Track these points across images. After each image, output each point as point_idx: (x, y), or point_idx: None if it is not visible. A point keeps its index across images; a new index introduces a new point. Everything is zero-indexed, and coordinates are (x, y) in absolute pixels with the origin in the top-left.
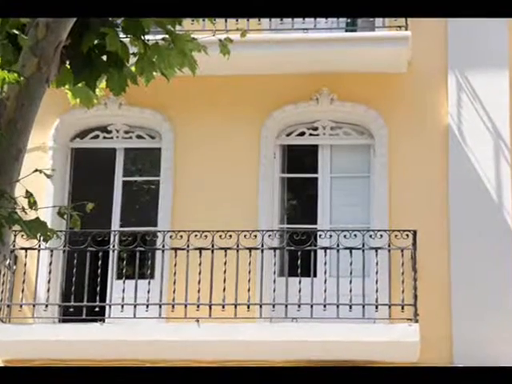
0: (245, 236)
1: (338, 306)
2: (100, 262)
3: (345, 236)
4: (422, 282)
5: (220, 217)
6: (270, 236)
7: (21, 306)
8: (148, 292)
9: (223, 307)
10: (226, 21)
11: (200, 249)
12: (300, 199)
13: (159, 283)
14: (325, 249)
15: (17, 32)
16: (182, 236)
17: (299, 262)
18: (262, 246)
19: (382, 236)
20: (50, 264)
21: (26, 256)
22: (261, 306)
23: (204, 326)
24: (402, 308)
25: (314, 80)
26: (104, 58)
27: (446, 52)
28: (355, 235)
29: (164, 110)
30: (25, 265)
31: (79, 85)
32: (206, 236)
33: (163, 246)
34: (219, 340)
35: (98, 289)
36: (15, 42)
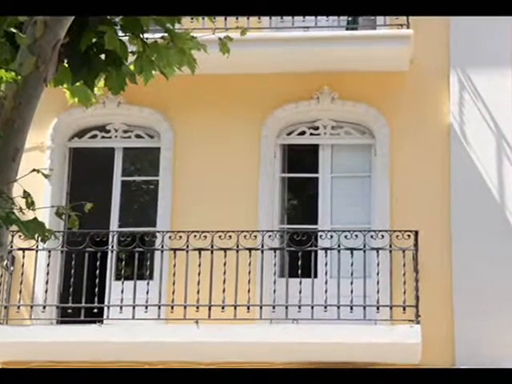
0: (245, 236)
1: (338, 307)
2: (98, 263)
3: (346, 236)
4: (424, 282)
5: (220, 217)
6: (270, 236)
7: (18, 308)
8: (147, 293)
9: (223, 308)
10: (225, 19)
11: (199, 249)
12: (300, 199)
13: (158, 284)
14: (325, 249)
15: (14, 30)
16: (181, 236)
17: (300, 262)
18: (262, 246)
19: (383, 236)
20: (48, 265)
21: (23, 257)
22: (261, 307)
23: (203, 328)
24: (404, 309)
25: (315, 79)
26: (102, 56)
27: (448, 50)
28: (356, 236)
29: (163, 109)
30: (22, 265)
31: (77, 84)
32: (205, 236)
33: (162, 247)
34: (219, 341)
35: (97, 290)
36: (13, 40)
